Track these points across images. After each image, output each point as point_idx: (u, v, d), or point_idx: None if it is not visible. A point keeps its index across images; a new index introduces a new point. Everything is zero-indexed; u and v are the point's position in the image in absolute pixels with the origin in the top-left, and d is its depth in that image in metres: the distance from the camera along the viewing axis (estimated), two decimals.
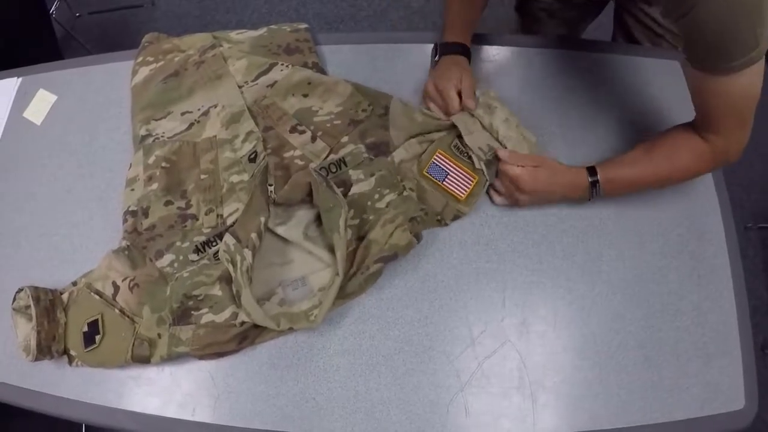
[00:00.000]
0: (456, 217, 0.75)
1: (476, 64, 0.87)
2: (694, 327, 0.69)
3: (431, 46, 0.85)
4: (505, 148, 0.76)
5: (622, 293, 0.72)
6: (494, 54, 0.89)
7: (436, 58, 0.82)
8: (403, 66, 0.87)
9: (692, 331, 0.69)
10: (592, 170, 0.71)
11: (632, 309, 0.71)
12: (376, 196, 0.74)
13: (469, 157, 0.76)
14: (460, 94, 0.77)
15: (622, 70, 0.86)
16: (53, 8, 1.86)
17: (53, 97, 0.93)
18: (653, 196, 0.76)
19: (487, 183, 0.76)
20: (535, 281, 0.73)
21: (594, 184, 0.70)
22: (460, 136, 0.77)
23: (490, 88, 0.82)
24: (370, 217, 0.73)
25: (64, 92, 0.93)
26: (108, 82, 0.92)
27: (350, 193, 0.74)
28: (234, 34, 0.90)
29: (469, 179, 0.75)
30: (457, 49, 0.81)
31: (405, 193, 0.74)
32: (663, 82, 0.84)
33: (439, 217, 0.75)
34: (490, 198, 0.77)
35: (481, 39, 0.89)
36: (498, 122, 0.77)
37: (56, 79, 0.95)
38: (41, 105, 0.92)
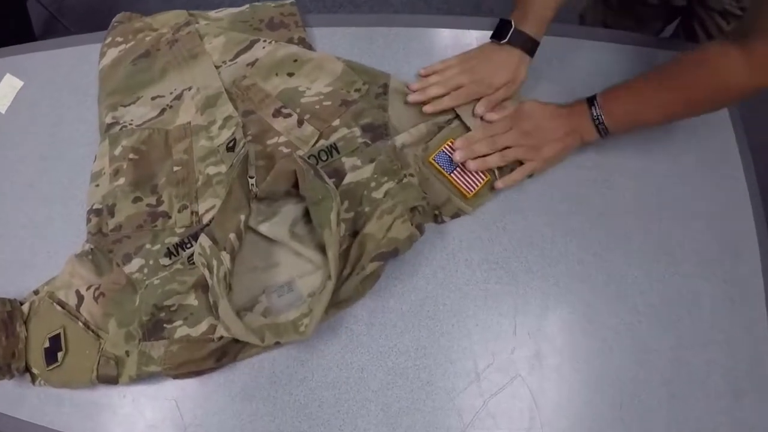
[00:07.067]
0: (455, 216, 0.69)
1: None
2: (725, 359, 0.64)
3: (432, 30, 0.77)
4: None
5: (648, 322, 0.65)
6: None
7: (504, 41, 0.71)
8: (404, 51, 0.80)
9: (723, 364, 0.63)
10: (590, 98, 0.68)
11: (659, 340, 0.64)
12: (373, 185, 0.67)
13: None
14: None
15: (625, 58, 0.80)
16: None
17: (19, 83, 0.86)
18: (684, 210, 0.69)
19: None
20: (551, 306, 0.66)
21: (591, 102, 0.67)
22: None
23: None
24: (366, 209, 0.66)
25: (31, 77, 0.86)
26: (78, 66, 0.85)
27: (344, 182, 0.68)
28: (213, 13, 0.84)
29: (480, 176, 0.69)
30: (529, 46, 0.71)
31: (405, 180, 0.67)
32: None
33: (437, 212, 0.69)
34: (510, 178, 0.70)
35: (480, 24, 0.82)
36: None
37: (23, 63, 0.87)
38: (6, 91, 0.85)
